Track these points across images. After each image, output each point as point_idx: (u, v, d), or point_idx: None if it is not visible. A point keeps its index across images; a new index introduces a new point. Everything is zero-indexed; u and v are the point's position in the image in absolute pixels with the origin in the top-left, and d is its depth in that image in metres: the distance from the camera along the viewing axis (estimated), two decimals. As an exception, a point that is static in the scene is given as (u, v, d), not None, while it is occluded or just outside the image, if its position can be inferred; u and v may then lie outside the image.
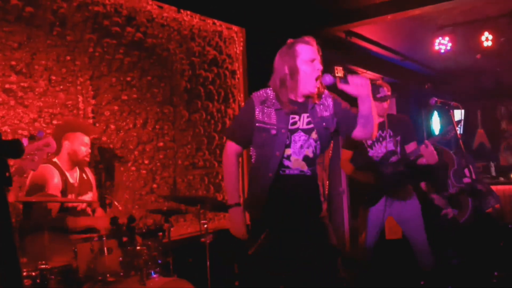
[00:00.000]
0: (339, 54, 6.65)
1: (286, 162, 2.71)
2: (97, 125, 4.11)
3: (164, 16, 4.72)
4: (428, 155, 3.99)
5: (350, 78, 2.59)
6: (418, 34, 6.61)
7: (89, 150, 3.61)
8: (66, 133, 3.51)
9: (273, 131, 2.69)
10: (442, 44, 6.50)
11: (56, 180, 3.33)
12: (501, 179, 7.39)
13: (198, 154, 5.00)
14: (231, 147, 2.85)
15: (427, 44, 6.64)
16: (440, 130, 8.68)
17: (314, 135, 2.72)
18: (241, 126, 2.83)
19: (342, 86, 2.60)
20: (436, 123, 9.03)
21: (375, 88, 4.27)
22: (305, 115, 2.73)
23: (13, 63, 3.57)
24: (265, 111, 2.72)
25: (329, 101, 2.79)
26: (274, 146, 2.69)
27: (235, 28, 5.55)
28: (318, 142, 2.73)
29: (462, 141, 4.08)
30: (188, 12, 4.96)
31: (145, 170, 4.48)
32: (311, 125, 2.73)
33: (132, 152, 4.39)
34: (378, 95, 4.20)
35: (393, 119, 4.38)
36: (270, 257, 2.68)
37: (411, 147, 4.28)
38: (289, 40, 2.80)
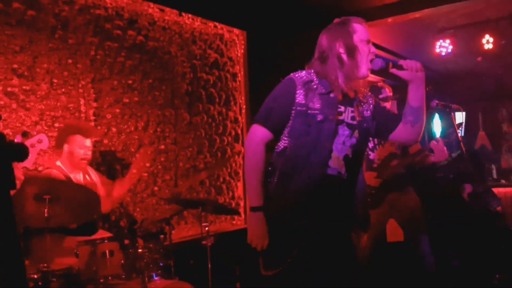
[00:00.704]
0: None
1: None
2: (99, 128, 4.12)
3: (165, 19, 4.73)
4: (439, 151, 4.00)
5: (404, 62, 2.36)
6: (419, 37, 6.62)
7: (89, 153, 3.59)
8: (67, 135, 3.52)
9: (320, 117, 2.28)
10: (443, 46, 6.50)
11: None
12: (503, 181, 7.37)
13: (200, 156, 5.01)
14: (261, 134, 2.33)
15: (428, 46, 6.65)
16: (441, 133, 8.67)
17: (356, 133, 2.37)
18: (278, 109, 2.33)
19: (395, 70, 2.34)
20: (437, 126, 9.01)
21: (376, 89, 4.30)
22: (350, 108, 2.37)
23: (15, 66, 3.59)
24: (309, 94, 2.31)
25: (370, 101, 2.48)
26: (320, 135, 2.28)
27: (236, 31, 5.57)
28: (360, 143, 2.40)
29: (464, 143, 4.09)
30: (190, 15, 4.98)
31: (146, 173, 4.49)
32: (355, 122, 2.38)
33: (134, 154, 4.39)
34: (381, 96, 4.22)
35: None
36: (295, 280, 2.28)
37: (414, 148, 4.29)
38: (337, 19, 2.50)
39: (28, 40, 3.67)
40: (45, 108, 3.74)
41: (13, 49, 3.58)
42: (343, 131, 2.33)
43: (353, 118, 2.37)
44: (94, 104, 4.09)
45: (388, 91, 4.26)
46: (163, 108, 4.66)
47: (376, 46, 7.04)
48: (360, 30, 2.41)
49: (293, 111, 2.30)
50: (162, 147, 4.64)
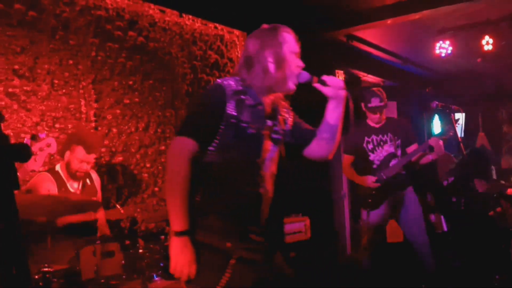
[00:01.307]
0: (340, 58, 6.67)
1: None
2: (99, 128, 4.13)
3: (166, 20, 4.74)
4: (438, 148, 4.02)
5: (328, 78, 2.19)
6: (419, 38, 6.63)
7: (86, 167, 3.51)
8: (71, 144, 3.50)
9: (251, 130, 2.10)
10: (443, 48, 6.51)
11: (50, 188, 3.33)
12: (502, 182, 7.38)
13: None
14: (187, 146, 2.03)
15: (428, 47, 6.66)
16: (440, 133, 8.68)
17: (280, 148, 2.27)
18: (208, 119, 2.08)
19: (318, 85, 2.18)
20: (437, 127, 9.03)
21: (367, 97, 4.28)
22: (275, 122, 2.23)
23: (16, 67, 3.60)
24: (239, 105, 2.10)
25: (290, 114, 2.34)
26: (250, 150, 2.12)
27: (236, 32, 5.58)
28: (283, 159, 2.29)
29: (463, 144, 4.10)
30: (190, 16, 4.99)
31: (147, 174, 4.50)
32: (279, 136, 2.24)
33: (134, 155, 4.40)
34: (369, 105, 4.22)
35: (393, 122, 4.40)
36: None
37: (412, 148, 4.30)
38: (265, 25, 2.29)
39: (29, 41, 3.68)
40: (46, 109, 3.75)
41: (14, 50, 3.59)
42: (270, 146, 2.18)
43: (277, 132, 2.22)
44: (95, 105, 4.10)
45: (378, 101, 4.24)
46: (163, 108, 4.67)
47: (377, 47, 7.07)
48: (290, 41, 2.21)
49: (223, 123, 2.07)
50: (163, 147, 4.64)
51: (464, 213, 5.45)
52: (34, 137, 2.61)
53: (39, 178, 3.36)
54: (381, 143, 4.29)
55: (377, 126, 4.35)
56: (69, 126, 3.88)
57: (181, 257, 1.99)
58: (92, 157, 3.54)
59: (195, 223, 2.03)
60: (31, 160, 2.35)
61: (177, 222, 1.99)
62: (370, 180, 4.19)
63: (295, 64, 2.19)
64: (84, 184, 3.61)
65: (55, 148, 2.74)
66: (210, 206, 2.08)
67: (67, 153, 3.48)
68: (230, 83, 2.13)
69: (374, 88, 4.40)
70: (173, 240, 2.00)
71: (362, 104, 4.33)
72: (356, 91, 6.03)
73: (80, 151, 3.46)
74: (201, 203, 2.08)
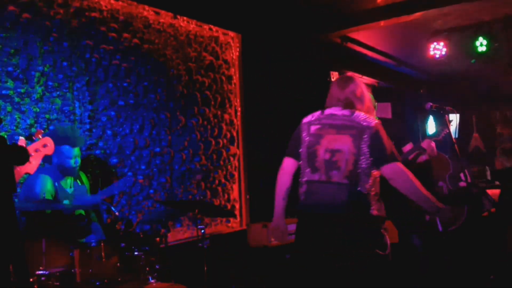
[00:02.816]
0: (335, 59, 6.69)
1: None
2: (94, 130, 4.12)
3: (160, 22, 4.74)
4: (430, 149, 4.05)
5: None
6: (413, 40, 6.66)
7: (78, 160, 3.51)
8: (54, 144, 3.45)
9: None
10: (437, 49, 6.54)
11: (48, 187, 3.31)
12: (496, 183, 7.40)
13: (195, 159, 5.01)
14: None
15: (422, 49, 6.68)
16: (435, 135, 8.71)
17: None
18: None
19: None
20: (431, 128, 9.06)
21: None
22: None
23: (10, 69, 3.58)
24: None
25: None
26: None
27: (231, 33, 5.58)
28: None
29: (457, 145, 4.11)
30: (185, 18, 4.98)
31: (141, 176, 4.48)
32: None
33: (129, 157, 4.39)
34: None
35: (387, 124, 4.41)
36: None
37: (407, 148, 4.31)
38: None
39: (23, 42, 3.66)
40: (40, 111, 3.74)
41: (8, 52, 3.57)
42: None
43: None
44: (89, 107, 4.09)
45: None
46: (158, 110, 4.66)
47: (371, 49, 7.09)
48: None
49: None
50: (158, 150, 4.63)
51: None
52: (28, 137, 2.53)
53: (38, 179, 3.33)
54: None
55: None
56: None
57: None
58: (78, 150, 3.52)
59: None
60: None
61: None
62: None
63: None
64: (76, 183, 3.59)
65: (52, 149, 2.67)
66: None
67: (55, 157, 3.43)
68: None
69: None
70: None
71: None
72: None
73: (68, 150, 3.42)
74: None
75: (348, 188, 2.79)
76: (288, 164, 3.02)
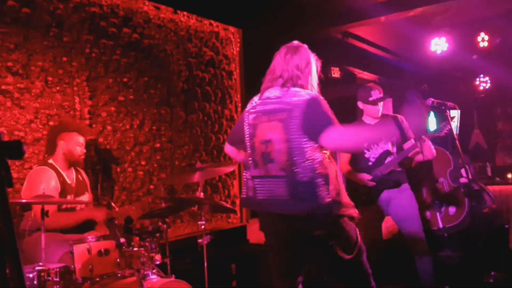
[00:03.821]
0: (336, 55, 6.67)
1: None
2: (94, 126, 4.11)
3: (160, 17, 4.72)
4: (426, 149, 4.00)
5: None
6: (415, 35, 6.64)
7: (84, 151, 3.58)
8: (61, 133, 3.48)
9: None
10: (439, 45, 6.53)
11: (53, 182, 3.31)
12: (497, 179, 7.40)
13: (195, 155, 5.00)
14: None
15: (423, 45, 6.67)
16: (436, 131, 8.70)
17: None
18: None
19: None
20: (432, 124, 9.05)
21: (366, 91, 4.29)
22: None
23: (10, 64, 3.57)
24: None
25: None
26: None
27: (231, 29, 5.56)
28: None
29: (458, 141, 4.10)
30: (185, 13, 4.97)
31: (142, 171, 4.48)
32: None
33: (129, 153, 4.38)
34: (370, 98, 4.22)
35: (388, 119, 4.40)
36: None
37: (408, 144, 4.30)
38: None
39: (23, 38, 3.65)
40: (40, 106, 3.73)
41: (7, 47, 3.56)
42: None
43: None
44: (89, 102, 4.08)
45: (378, 92, 4.24)
46: (158, 106, 4.65)
47: (372, 44, 7.07)
48: None
49: None
50: (158, 145, 4.63)
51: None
52: None
53: (43, 173, 3.33)
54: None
55: (372, 123, 4.36)
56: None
57: None
58: (84, 140, 3.59)
59: None
60: None
61: None
62: (365, 178, 4.19)
63: None
64: (78, 178, 3.59)
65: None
66: None
67: (62, 143, 3.45)
68: None
69: (369, 84, 4.40)
70: None
71: (360, 102, 4.33)
72: (352, 87, 6.02)
73: (76, 136, 3.50)
74: None
75: (286, 181, 2.49)
76: (228, 151, 2.94)
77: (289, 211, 2.51)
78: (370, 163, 4.27)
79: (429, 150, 4.03)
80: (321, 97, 2.59)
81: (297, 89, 2.60)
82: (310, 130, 2.49)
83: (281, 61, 2.71)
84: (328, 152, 2.62)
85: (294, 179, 2.48)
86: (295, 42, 2.79)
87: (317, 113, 2.50)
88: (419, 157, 4.17)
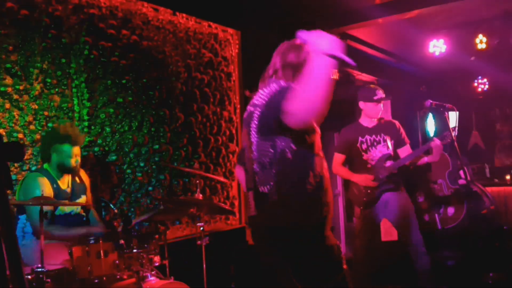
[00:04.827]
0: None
1: None
2: (93, 127, 4.11)
3: (159, 18, 4.72)
4: (437, 152, 4.06)
5: None
6: (413, 37, 6.64)
7: (79, 160, 3.52)
8: (53, 144, 3.43)
9: None
10: (437, 46, 6.53)
11: (46, 189, 3.30)
12: (496, 180, 7.41)
13: (194, 156, 5.00)
14: None
15: (422, 46, 6.67)
16: (435, 132, 8.71)
17: None
18: None
19: None
20: (431, 125, 9.06)
21: (371, 90, 4.33)
22: None
23: (8, 65, 3.57)
24: None
25: None
26: None
27: (230, 30, 5.56)
28: None
29: (457, 143, 4.11)
30: (184, 14, 4.97)
31: (140, 173, 4.47)
32: None
33: (128, 154, 4.38)
34: (375, 97, 4.25)
35: (385, 123, 4.43)
36: None
37: (404, 151, 4.33)
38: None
39: (21, 39, 3.65)
40: (39, 108, 3.72)
41: (6, 49, 3.56)
42: None
43: None
44: (88, 104, 4.08)
45: (382, 92, 4.29)
46: (157, 107, 4.65)
47: (370, 46, 7.07)
48: None
49: None
50: (156, 147, 4.62)
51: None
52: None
53: (33, 180, 3.32)
54: (375, 143, 4.31)
55: (370, 126, 4.38)
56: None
57: None
58: (78, 149, 3.53)
59: None
60: None
61: None
62: (368, 179, 4.20)
63: None
64: (74, 181, 3.58)
65: None
66: None
67: (54, 156, 3.42)
68: None
69: (371, 85, 4.44)
70: None
71: (361, 102, 4.34)
72: (351, 89, 6.03)
73: (68, 148, 3.43)
74: None
75: (253, 194, 2.28)
76: None
77: (259, 224, 2.43)
78: (369, 166, 4.28)
79: (439, 153, 4.09)
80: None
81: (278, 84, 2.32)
82: (262, 128, 2.26)
83: (275, 56, 2.47)
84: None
85: (257, 190, 2.38)
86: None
87: (271, 108, 2.20)
88: (423, 160, 4.21)
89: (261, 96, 2.32)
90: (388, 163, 4.23)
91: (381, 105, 4.31)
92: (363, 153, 4.31)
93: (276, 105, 2.09)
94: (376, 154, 4.29)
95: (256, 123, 2.22)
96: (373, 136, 4.31)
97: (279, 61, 2.39)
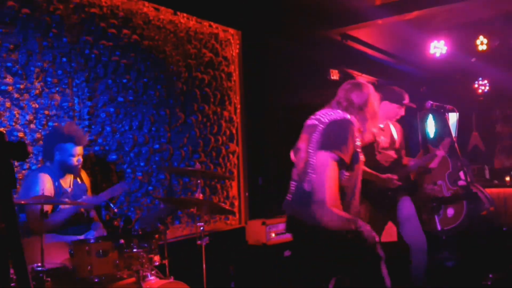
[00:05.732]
0: (334, 57, 6.68)
1: None
2: (93, 127, 4.11)
3: (160, 18, 4.72)
4: (438, 159, 4.08)
5: None
6: (414, 38, 6.65)
7: (81, 160, 3.53)
8: (57, 143, 3.44)
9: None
10: (438, 47, 6.54)
11: (47, 186, 3.30)
12: (495, 182, 7.42)
13: (194, 156, 5.00)
14: None
15: (422, 47, 6.68)
16: (435, 133, 8.72)
17: None
18: None
19: None
20: (431, 126, 9.06)
21: (399, 93, 4.23)
22: None
23: (9, 64, 3.57)
24: None
25: None
26: None
27: (231, 30, 5.56)
28: None
29: (457, 144, 4.12)
30: (185, 14, 4.97)
31: (141, 172, 4.47)
32: None
33: (128, 154, 4.38)
34: (404, 102, 4.17)
35: (398, 127, 4.39)
36: None
37: (411, 162, 4.33)
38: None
39: (22, 38, 3.65)
40: (39, 107, 3.73)
41: (7, 47, 3.56)
42: None
43: None
44: (89, 103, 4.08)
45: (407, 98, 4.23)
46: (157, 107, 4.65)
47: (371, 46, 7.08)
48: None
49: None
50: (157, 146, 4.62)
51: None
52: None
53: (38, 177, 3.32)
54: (385, 144, 4.28)
55: (383, 126, 4.34)
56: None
57: None
58: (81, 149, 3.53)
59: None
60: None
61: None
62: (394, 178, 4.05)
63: None
64: (76, 182, 3.59)
65: None
66: None
67: (57, 154, 3.43)
68: None
69: (396, 87, 4.33)
70: None
71: (387, 102, 4.23)
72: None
73: (71, 147, 3.43)
74: None
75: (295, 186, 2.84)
76: None
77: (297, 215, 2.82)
78: (383, 166, 4.17)
79: (438, 160, 4.12)
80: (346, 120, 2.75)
81: (336, 110, 2.83)
82: (318, 145, 2.71)
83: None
84: None
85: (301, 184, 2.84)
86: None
87: (328, 133, 2.70)
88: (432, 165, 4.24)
89: (326, 115, 2.77)
90: (412, 162, 4.24)
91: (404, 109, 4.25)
92: (376, 153, 4.26)
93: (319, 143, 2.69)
94: (388, 155, 4.21)
95: (317, 136, 2.71)
96: (382, 137, 4.26)
97: (343, 96, 2.87)
